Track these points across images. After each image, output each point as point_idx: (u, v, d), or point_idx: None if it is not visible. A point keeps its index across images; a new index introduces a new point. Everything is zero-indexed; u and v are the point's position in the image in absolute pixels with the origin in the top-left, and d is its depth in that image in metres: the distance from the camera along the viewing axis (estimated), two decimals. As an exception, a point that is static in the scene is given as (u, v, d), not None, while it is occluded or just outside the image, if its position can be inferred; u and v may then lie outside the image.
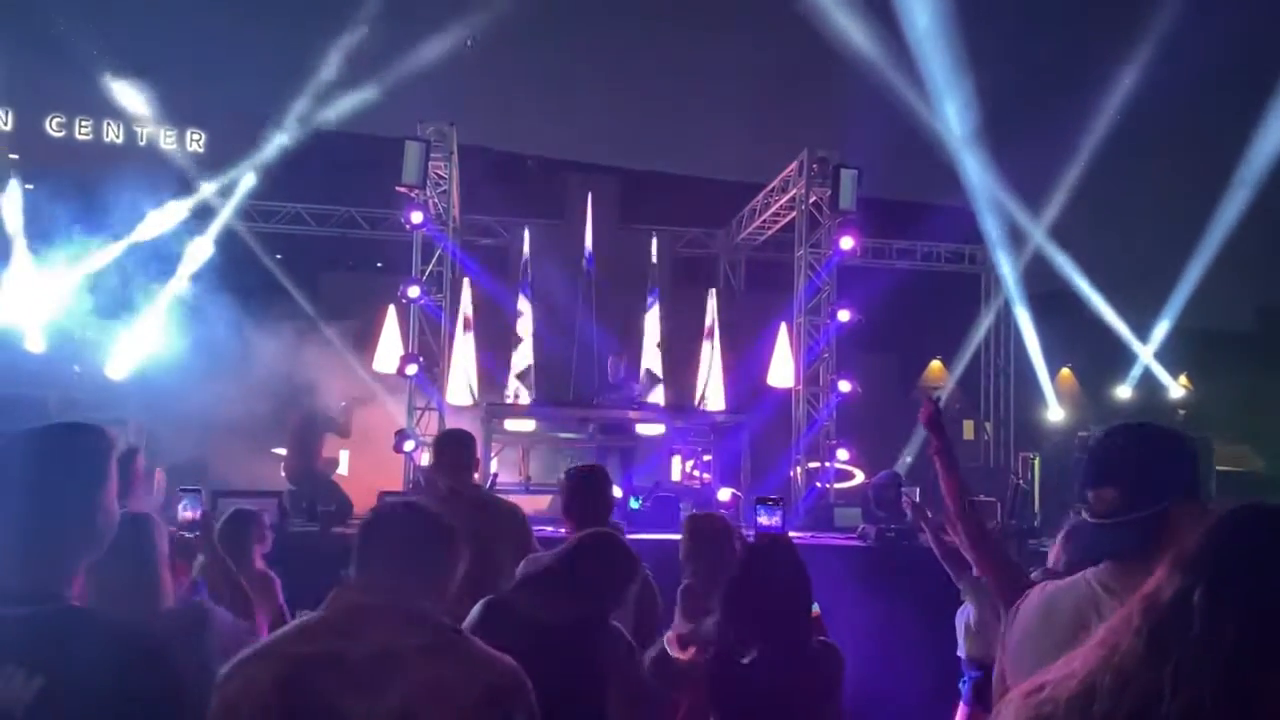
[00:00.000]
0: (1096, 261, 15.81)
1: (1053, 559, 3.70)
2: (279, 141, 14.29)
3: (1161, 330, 15.90)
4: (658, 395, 13.66)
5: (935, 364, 19.34)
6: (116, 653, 1.76)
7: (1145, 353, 15.93)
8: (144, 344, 13.44)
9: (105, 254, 14.64)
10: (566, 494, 4.51)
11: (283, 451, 10.80)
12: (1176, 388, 16.64)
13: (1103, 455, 2.00)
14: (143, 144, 17.13)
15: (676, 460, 13.10)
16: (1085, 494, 1.98)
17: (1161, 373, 16.22)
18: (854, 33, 13.66)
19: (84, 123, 17.09)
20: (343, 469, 11.44)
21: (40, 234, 15.44)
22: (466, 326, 13.22)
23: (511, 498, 5.62)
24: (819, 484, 12.35)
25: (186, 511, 5.66)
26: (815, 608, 3.75)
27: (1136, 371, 16.18)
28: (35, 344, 13.10)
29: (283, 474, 10.37)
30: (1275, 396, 18.73)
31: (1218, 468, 12.32)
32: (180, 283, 13.67)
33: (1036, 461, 12.25)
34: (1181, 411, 16.20)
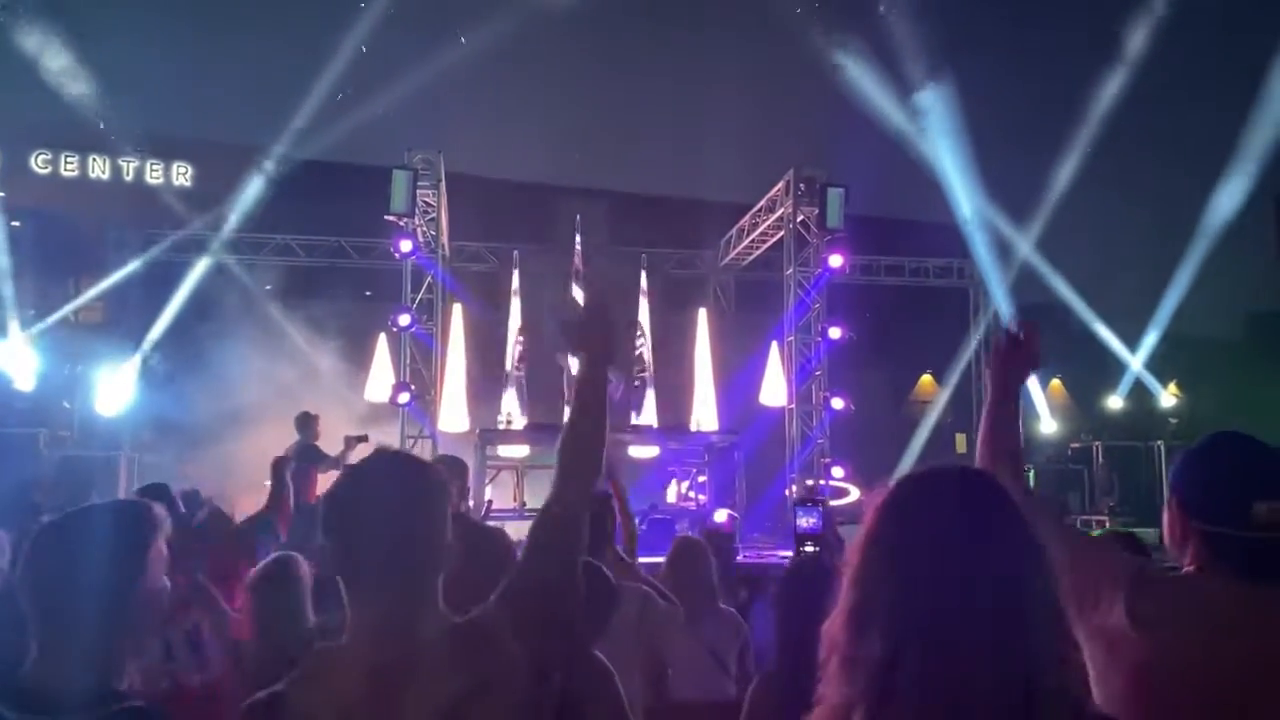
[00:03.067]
0: (1084, 273, 15.91)
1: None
2: (266, 173, 14.30)
3: (1151, 339, 15.97)
4: (650, 415, 13.64)
5: (926, 378, 19.37)
6: None
7: (1135, 362, 15.99)
8: (133, 379, 13.40)
9: (94, 290, 14.64)
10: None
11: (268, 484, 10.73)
12: (1167, 396, 16.69)
13: (1267, 464, 1.90)
14: (129, 179, 17.11)
15: (673, 482, 13.08)
16: (1245, 505, 1.83)
17: (1152, 382, 16.28)
18: (838, 52, 13.76)
19: (69, 158, 17.08)
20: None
21: (27, 271, 15.42)
22: (458, 353, 13.21)
23: (507, 524, 5.61)
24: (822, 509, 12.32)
25: None
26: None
27: (1127, 381, 16.23)
28: (25, 382, 13.03)
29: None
30: (1265, 403, 18.79)
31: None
32: (169, 317, 13.62)
33: (1031, 474, 12.26)
34: (1173, 420, 16.25)
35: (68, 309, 15.12)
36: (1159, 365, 16.33)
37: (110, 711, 1.70)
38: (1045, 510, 2.10)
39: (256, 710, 1.69)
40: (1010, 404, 2.32)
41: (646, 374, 13.82)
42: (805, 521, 4.61)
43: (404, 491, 1.79)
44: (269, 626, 3.30)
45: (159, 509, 1.99)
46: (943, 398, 16.68)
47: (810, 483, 12.60)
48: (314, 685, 1.71)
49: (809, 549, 4.23)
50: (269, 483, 10.17)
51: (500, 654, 1.74)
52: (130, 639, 1.84)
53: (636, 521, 10.24)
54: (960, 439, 17.19)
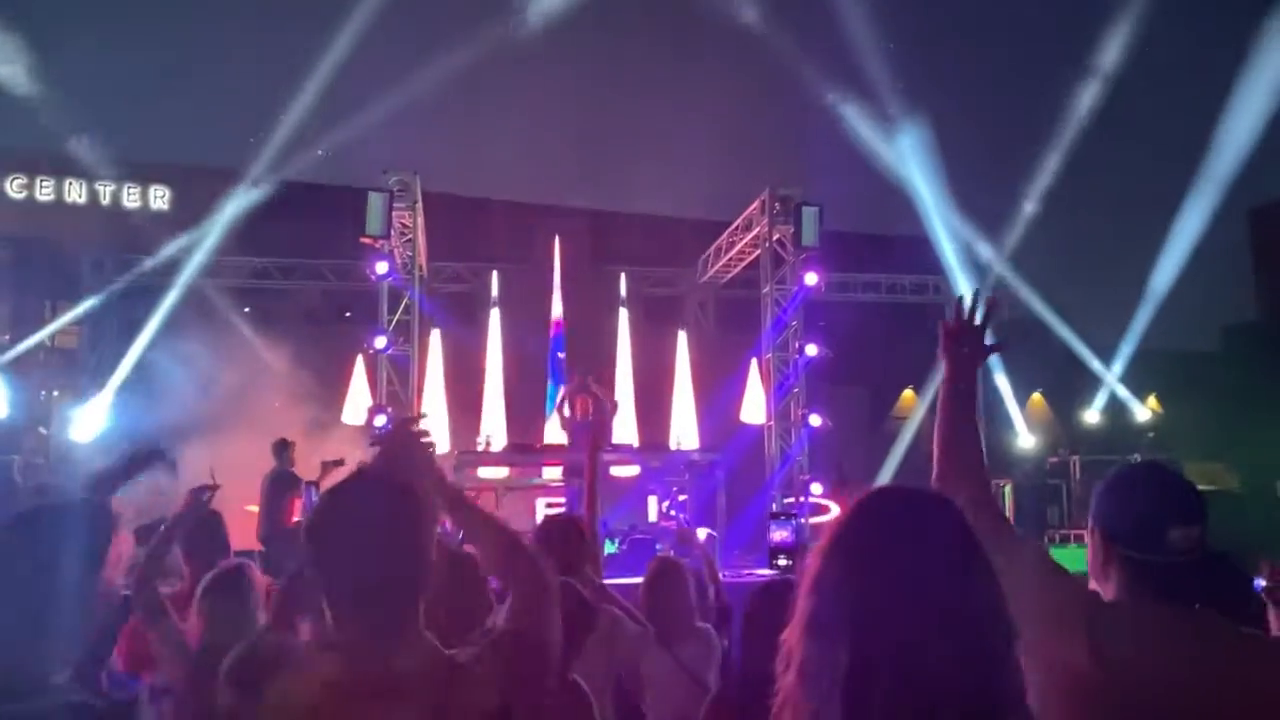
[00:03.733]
0: (1059, 288, 16.04)
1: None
2: (244, 195, 14.26)
3: (1126, 353, 16.09)
4: (630, 434, 13.63)
5: (908, 393, 19.46)
6: None
7: (1111, 376, 16.11)
8: (108, 404, 13.31)
9: (69, 315, 14.55)
10: (535, 544, 4.49)
11: (255, 509, 10.68)
12: (1144, 410, 16.81)
13: (1184, 491, 1.97)
14: (105, 203, 17.05)
15: (653, 501, 13.06)
16: (1165, 531, 1.91)
17: (1128, 396, 16.39)
18: (812, 71, 13.88)
19: (45, 183, 17.01)
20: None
21: (3, 296, 15.34)
22: (436, 374, 13.19)
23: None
24: (796, 522, 12.34)
25: None
26: None
27: (1103, 395, 16.34)
28: (-1, 408, 12.94)
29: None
30: (1243, 414, 18.95)
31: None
32: (146, 341, 13.54)
33: (1008, 489, 12.32)
34: (1150, 434, 16.36)
35: (43, 334, 15.04)
36: (1135, 379, 16.46)
37: (43, 705, 1.74)
38: (1008, 537, 2.11)
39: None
40: (962, 388, 2.26)
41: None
42: (779, 535, 4.61)
43: (385, 516, 1.80)
44: (216, 633, 3.28)
45: (117, 507, 2.08)
46: (921, 412, 16.74)
47: (789, 500, 12.62)
48: (286, 688, 1.74)
49: (782, 562, 4.23)
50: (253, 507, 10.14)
51: (477, 698, 1.75)
52: (77, 635, 1.88)
53: (618, 542, 10.25)
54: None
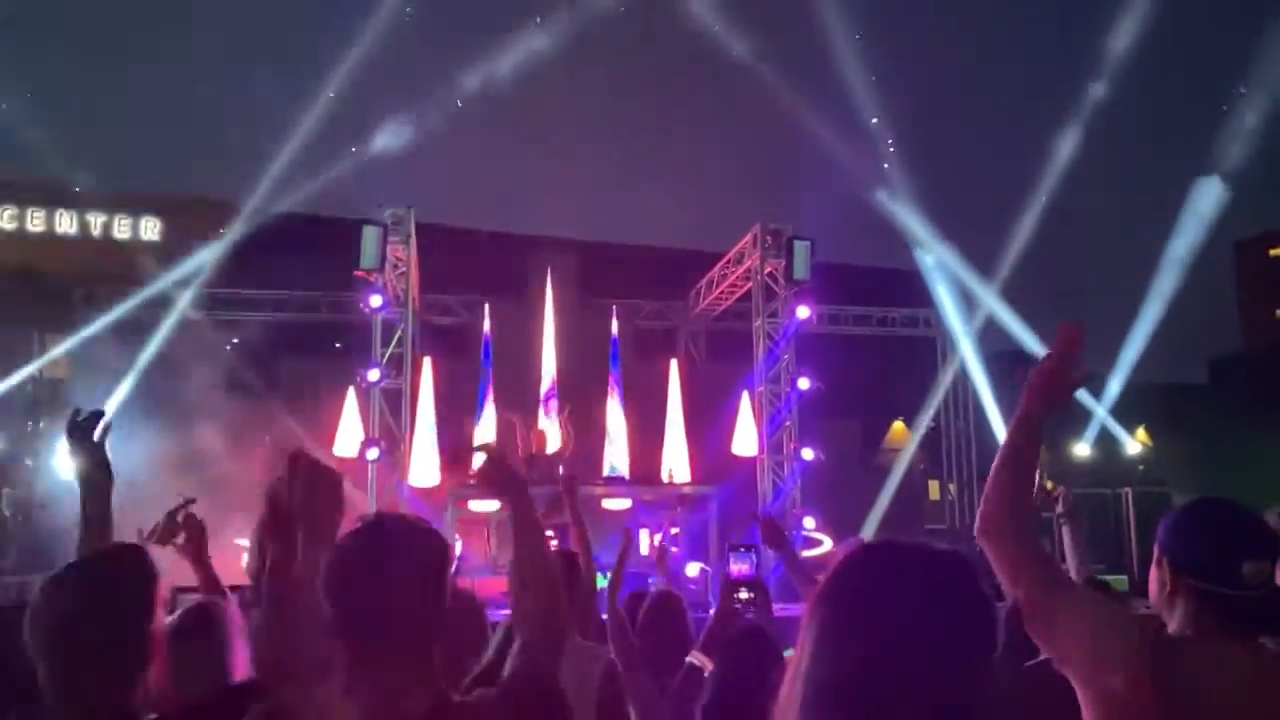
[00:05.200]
0: (1048, 320, 16.12)
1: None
2: (236, 228, 14.27)
3: (1115, 386, 16.16)
4: (621, 466, 13.61)
5: (898, 425, 19.49)
6: None
7: (1101, 410, 16.16)
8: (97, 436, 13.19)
9: (60, 347, 14.48)
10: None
11: (246, 543, 10.60)
12: (1134, 443, 16.87)
13: (1256, 525, 2.01)
14: (96, 234, 17.02)
15: (644, 534, 13.02)
16: (1234, 565, 1.94)
17: (1117, 429, 16.44)
18: (805, 107, 14.02)
19: (36, 214, 16.98)
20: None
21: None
22: (428, 407, 13.16)
23: (477, 580, 5.57)
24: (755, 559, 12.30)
25: None
26: None
27: (1093, 428, 16.40)
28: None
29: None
30: (1231, 446, 19.05)
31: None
32: (135, 374, 13.46)
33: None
34: (1140, 466, 16.41)
35: (33, 366, 14.96)
36: (1124, 412, 16.53)
37: None
38: (1061, 576, 2.10)
39: None
40: (1037, 430, 2.12)
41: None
42: (737, 567, 4.53)
43: (405, 562, 1.80)
44: (185, 681, 3.19)
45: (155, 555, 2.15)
46: (913, 445, 16.76)
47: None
48: None
49: (743, 595, 4.18)
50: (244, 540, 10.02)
51: None
52: (140, 671, 1.99)
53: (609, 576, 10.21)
54: (933, 485, 17.27)
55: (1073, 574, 3.96)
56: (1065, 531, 4.16)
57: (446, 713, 1.76)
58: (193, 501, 3.63)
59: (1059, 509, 4.11)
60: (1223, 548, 1.98)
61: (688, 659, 3.57)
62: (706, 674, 3.42)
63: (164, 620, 2.08)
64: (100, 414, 2.87)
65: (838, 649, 1.31)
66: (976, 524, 2.10)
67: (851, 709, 1.27)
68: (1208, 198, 15.55)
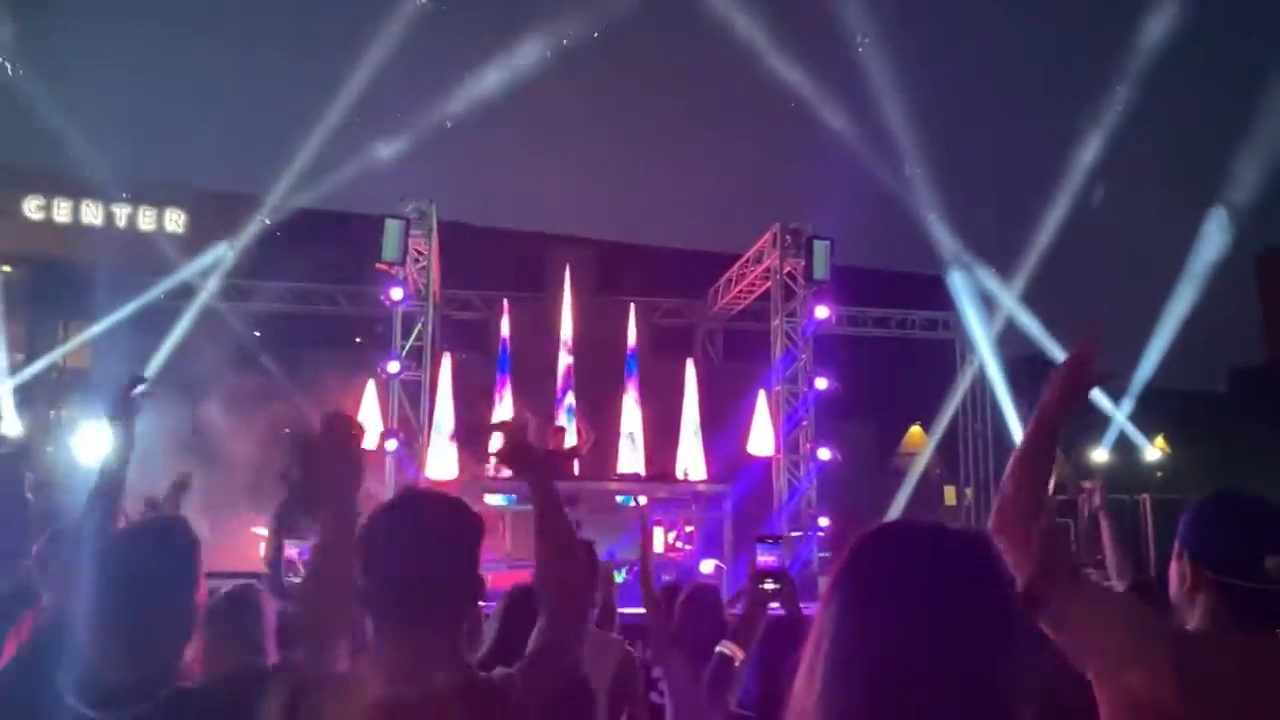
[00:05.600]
0: (1067, 326, 16.04)
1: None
2: (259, 220, 14.36)
3: (1135, 393, 16.06)
4: (636, 464, 13.64)
5: (915, 429, 19.44)
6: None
7: (1120, 416, 16.07)
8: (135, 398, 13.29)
9: (82, 335, 14.62)
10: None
11: (264, 532, 10.66)
12: (1152, 450, 16.77)
13: (1275, 520, 1.98)
14: (122, 225, 17.16)
15: (659, 532, 13.04)
16: (1256, 559, 1.92)
17: (1136, 435, 16.35)
18: (826, 106, 14.00)
19: (62, 204, 17.14)
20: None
21: (17, 316, 15.42)
22: (446, 400, 13.23)
23: (491, 573, 5.61)
24: (782, 551, 12.30)
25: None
26: None
27: (1112, 434, 16.31)
28: (12, 427, 12.98)
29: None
30: (1249, 455, 18.91)
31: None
32: (158, 363, 13.58)
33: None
34: (1159, 473, 16.32)
35: (56, 354, 15.11)
36: (1143, 419, 16.43)
37: (164, 696, 1.91)
38: (1079, 576, 2.09)
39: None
40: (1057, 427, 2.15)
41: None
42: (765, 559, 4.60)
43: (440, 533, 1.81)
44: (218, 661, 3.08)
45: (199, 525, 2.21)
46: (929, 449, 16.72)
47: (796, 533, 12.59)
48: (329, 708, 1.73)
49: (769, 586, 4.24)
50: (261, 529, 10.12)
51: (507, 718, 1.75)
52: (184, 639, 2.05)
53: (625, 572, 10.23)
54: (949, 490, 17.22)
55: (1113, 568, 3.95)
56: (1104, 525, 4.05)
57: (474, 688, 1.77)
58: (189, 476, 3.72)
59: (1096, 502, 4.07)
60: (1245, 541, 1.96)
61: (718, 648, 3.61)
62: (737, 663, 3.45)
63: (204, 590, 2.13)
64: (141, 379, 2.91)
65: (859, 627, 1.29)
66: (992, 518, 2.10)
67: (874, 687, 1.25)
68: (1228, 213, 15.46)
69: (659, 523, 12.92)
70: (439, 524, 1.83)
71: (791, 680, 1.43)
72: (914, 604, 1.27)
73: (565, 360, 14.81)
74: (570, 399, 14.02)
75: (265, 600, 3.54)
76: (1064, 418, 2.15)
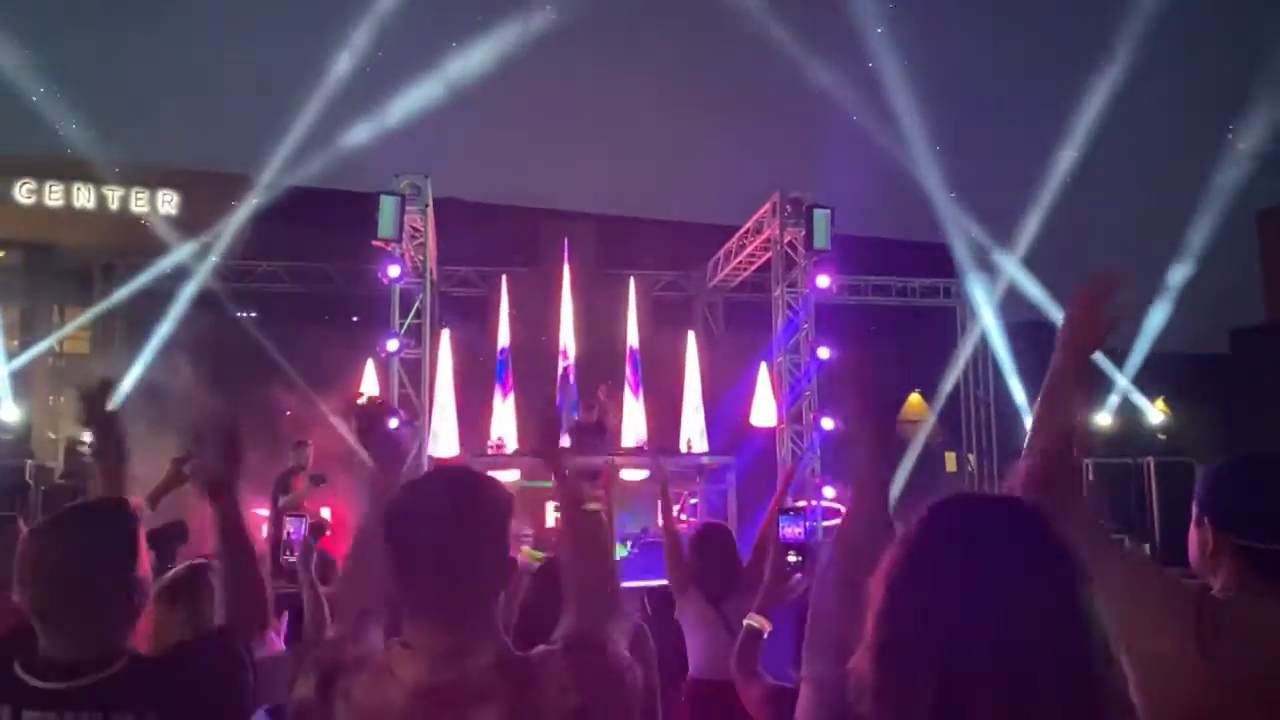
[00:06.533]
0: (1069, 289, 15.96)
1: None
2: (253, 200, 14.24)
3: (1137, 356, 16.02)
4: (640, 436, 13.59)
5: (915, 397, 19.39)
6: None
7: (1122, 379, 16.04)
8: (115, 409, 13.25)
9: (79, 319, 14.54)
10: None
11: (265, 513, 10.63)
12: (1155, 413, 16.74)
13: None
14: (114, 208, 17.02)
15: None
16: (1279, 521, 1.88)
17: (1140, 398, 16.32)
18: (823, 73, 13.85)
19: (54, 188, 16.99)
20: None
21: (13, 301, 15.33)
22: (447, 377, 13.17)
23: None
24: (807, 523, 12.30)
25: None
26: None
27: (1115, 398, 16.27)
28: (9, 413, 12.92)
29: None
30: (1251, 416, 18.91)
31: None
32: (155, 346, 13.50)
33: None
34: (1162, 436, 16.29)
35: (52, 339, 15.03)
36: (1146, 382, 16.39)
37: (117, 666, 1.94)
38: (1102, 536, 2.04)
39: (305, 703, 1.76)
40: (1075, 388, 2.07)
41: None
42: (791, 530, 4.58)
43: (463, 510, 1.76)
44: (168, 637, 3.00)
45: (135, 504, 2.23)
46: (931, 417, 16.69)
47: (800, 503, 12.57)
48: (369, 689, 1.71)
49: (793, 558, 4.22)
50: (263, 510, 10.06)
51: (556, 699, 1.71)
52: (129, 615, 2.05)
53: (629, 546, 10.21)
54: (950, 457, 17.20)
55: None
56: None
57: (513, 666, 1.73)
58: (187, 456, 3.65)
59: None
60: (1268, 503, 1.91)
61: (746, 621, 3.56)
62: (765, 635, 3.42)
63: (147, 568, 2.11)
64: (109, 383, 2.83)
65: (921, 609, 1.23)
66: (1019, 478, 2.03)
67: (942, 673, 1.19)
68: (1232, 167, 15.35)
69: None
70: (466, 501, 1.77)
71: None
72: (977, 584, 1.22)
73: (566, 334, 14.75)
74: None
75: (213, 577, 3.44)
76: (1079, 371, 2.08)
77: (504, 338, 14.52)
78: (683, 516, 12.58)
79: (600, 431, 11.87)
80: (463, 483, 1.83)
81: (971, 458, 16.63)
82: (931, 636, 1.21)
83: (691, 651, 4.38)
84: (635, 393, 14.64)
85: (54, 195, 17.15)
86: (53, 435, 14.04)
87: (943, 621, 1.21)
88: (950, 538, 1.29)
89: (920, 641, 1.22)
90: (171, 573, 3.45)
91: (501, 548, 1.80)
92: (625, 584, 7.12)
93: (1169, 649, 1.81)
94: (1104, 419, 16.52)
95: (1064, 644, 1.21)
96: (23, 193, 17.00)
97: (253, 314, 14.81)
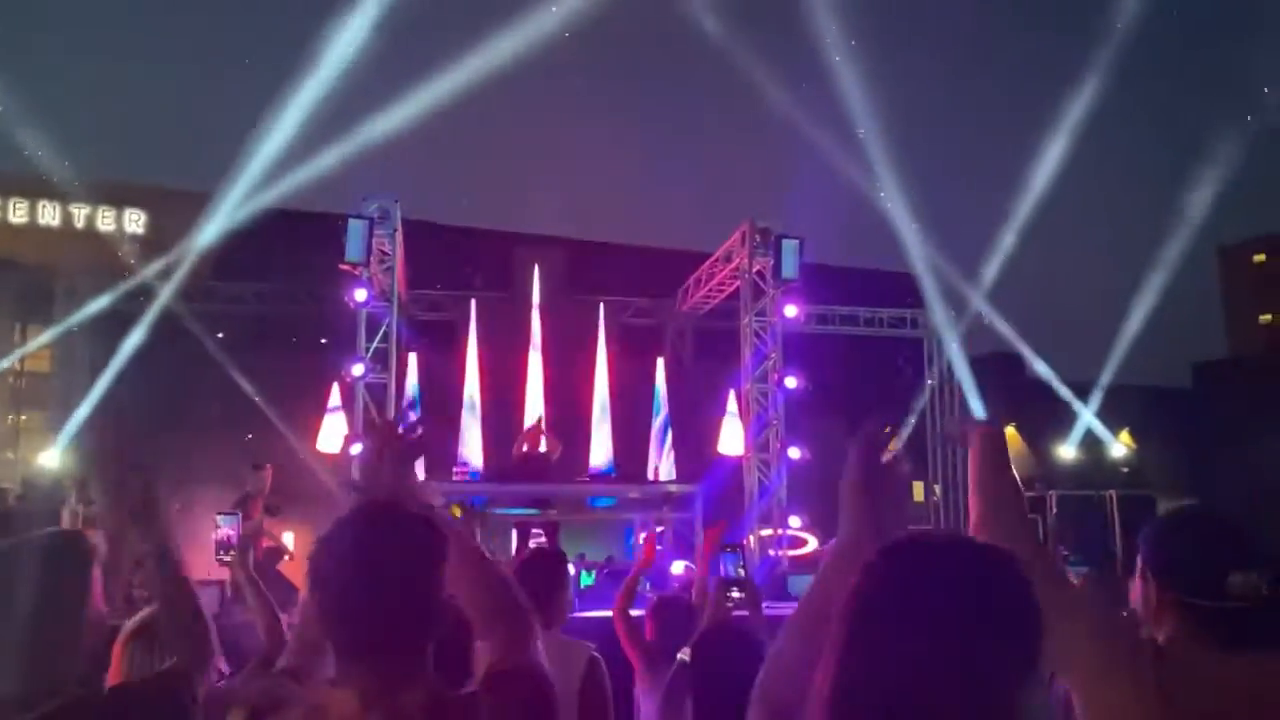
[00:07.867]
0: (1034, 322, 16.15)
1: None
2: (221, 220, 14.11)
3: (1101, 388, 16.20)
4: (606, 463, 13.55)
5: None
6: None
7: (1086, 412, 16.20)
8: (77, 430, 13.07)
9: (41, 338, 14.34)
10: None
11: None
12: (1118, 445, 16.91)
13: (1241, 534, 1.93)
14: (80, 225, 16.85)
15: (628, 533, 12.99)
16: (1224, 576, 1.86)
17: (1103, 431, 16.49)
18: (793, 105, 13.99)
19: (19, 204, 16.80)
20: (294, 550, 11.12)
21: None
22: (412, 404, 13.09)
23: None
24: (773, 552, 12.30)
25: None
26: None
27: (1079, 430, 16.44)
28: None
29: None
30: (1213, 449, 19.16)
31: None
32: (118, 366, 13.31)
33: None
34: (1125, 469, 16.46)
35: (13, 357, 14.80)
36: (1108, 414, 16.57)
37: (55, 704, 1.92)
38: (1064, 587, 2.07)
39: None
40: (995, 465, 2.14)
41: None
42: (729, 569, 4.58)
43: (398, 555, 1.72)
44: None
45: (96, 539, 2.23)
46: (898, 446, 16.73)
47: (766, 532, 12.57)
48: None
49: (735, 594, 4.21)
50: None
51: None
52: (75, 654, 2.03)
53: (594, 574, 10.16)
54: (917, 486, 17.27)
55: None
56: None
57: (445, 706, 1.70)
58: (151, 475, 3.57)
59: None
60: (1207, 559, 1.91)
61: (679, 655, 3.57)
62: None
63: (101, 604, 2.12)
64: (152, 482, 2.59)
65: (873, 652, 1.22)
66: (972, 518, 2.08)
67: (887, 716, 1.18)
68: (1193, 204, 15.63)
69: (630, 522, 12.88)
70: (392, 548, 1.71)
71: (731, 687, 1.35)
72: (928, 626, 1.20)
73: (534, 359, 14.72)
74: (539, 411, 13.89)
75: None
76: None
77: (472, 363, 14.46)
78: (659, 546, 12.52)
79: (546, 462, 11.81)
80: (384, 525, 1.77)
81: (937, 488, 16.70)
82: (879, 686, 1.20)
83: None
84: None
85: (19, 212, 16.98)
86: (11, 455, 13.81)
87: (892, 671, 1.19)
88: (897, 587, 1.26)
89: (866, 690, 1.21)
90: (140, 614, 3.40)
91: (426, 588, 1.74)
92: (587, 615, 7.08)
93: (1125, 700, 1.83)
94: (1068, 451, 16.68)
95: (1015, 694, 1.19)
96: (-14, 209, 16.82)
97: (219, 335, 14.63)
